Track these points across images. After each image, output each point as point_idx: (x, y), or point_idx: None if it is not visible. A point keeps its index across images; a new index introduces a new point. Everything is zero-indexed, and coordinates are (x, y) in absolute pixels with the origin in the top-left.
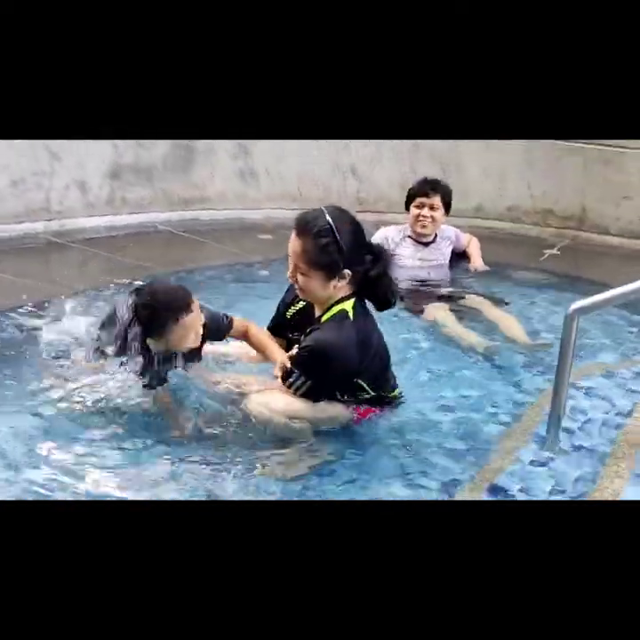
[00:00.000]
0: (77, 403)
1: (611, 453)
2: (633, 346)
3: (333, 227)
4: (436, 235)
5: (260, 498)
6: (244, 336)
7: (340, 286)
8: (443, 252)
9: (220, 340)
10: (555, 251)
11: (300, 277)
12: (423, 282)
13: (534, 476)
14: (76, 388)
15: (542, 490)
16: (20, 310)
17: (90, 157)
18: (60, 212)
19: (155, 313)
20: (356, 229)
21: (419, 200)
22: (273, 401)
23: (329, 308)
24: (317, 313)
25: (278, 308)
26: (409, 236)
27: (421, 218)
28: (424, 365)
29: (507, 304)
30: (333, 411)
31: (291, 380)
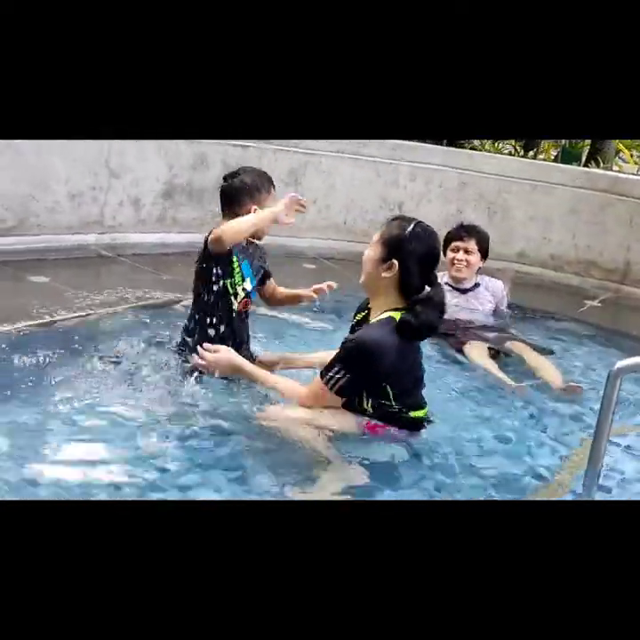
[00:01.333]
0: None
1: None
2: None
3: (411, 232)
4: (477, 284)
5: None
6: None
7: (385, 276)
8: (481, 302)
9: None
10: (596, 302)
11: (368, 250)
12: (465, 323)
13: None
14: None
15: None
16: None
17: (145, 176)
18: (112, 227)
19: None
20: (428, 252)
21: (454, 244)
22: (286, 410)
23: (380, 314)
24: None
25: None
26: (447, 283)
27: (456, 261)
28: (460, 403)
29: (552, 353)
30: (343, 420)
31: (330, 373)
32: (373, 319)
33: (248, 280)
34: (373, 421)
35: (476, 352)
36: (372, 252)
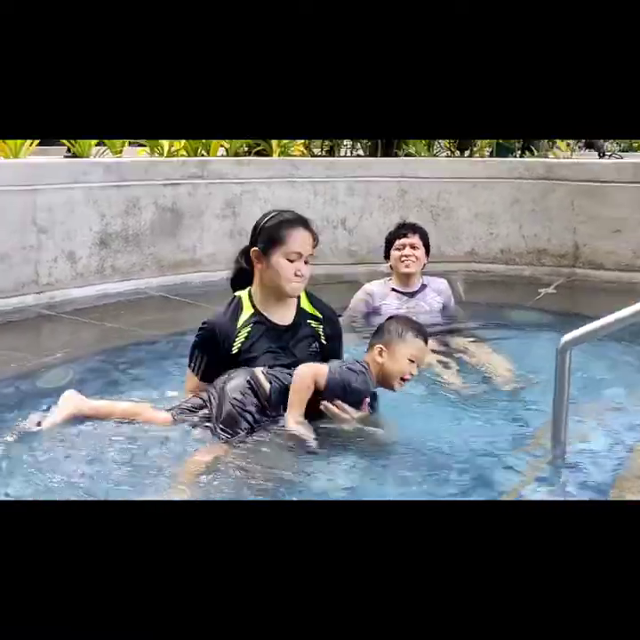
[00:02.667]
0: None
1: (614, 486)
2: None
3: None
4: (422, 285)
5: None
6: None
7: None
8: (429, 303)
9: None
10: (551, 289)
11: (306, 268)
12: None
13: None
14: None
15: None
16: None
17: (77, 228)
18: (49, 285)
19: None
20: None
21: (399, 242)
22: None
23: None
24: (281, 313)
25: (214, 349)
26: (393, 289)
27: (404, 258)
28: (418, 411)
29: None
30: None
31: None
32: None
33: None
34: None
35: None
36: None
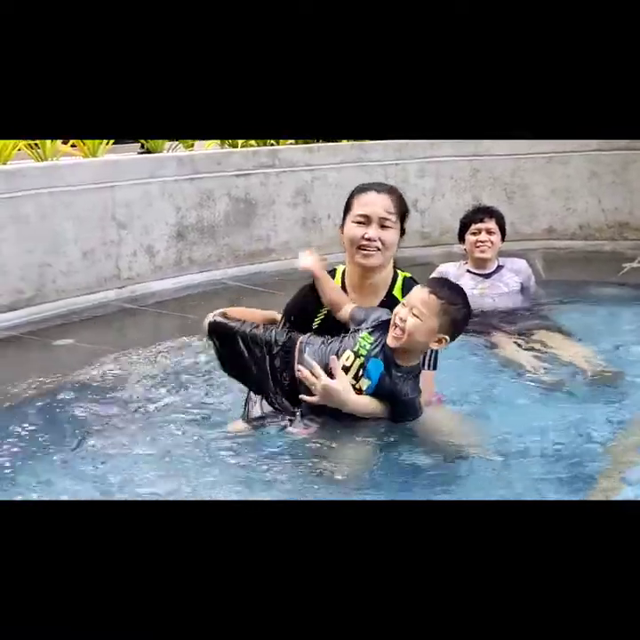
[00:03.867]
0: None
1: None
2: None
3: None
4: (499, 266)
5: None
6: None
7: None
8: (506, 283)
9: None
10: (635, 263)
11: (384, 232)
12: (491, 311)
13: None
14: None
15: None
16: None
17: (154, 222)
18: (130, 279)
19: None
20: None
21: (474, 227)
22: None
23: (393, 282)
24: (368, 299)
25: (296, 314)
26: (468, 271)
27: (479, 243)
28: (504, 397)
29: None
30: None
31: (427, 356)
32: (394, 288)
33: None
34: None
35: (505, 347)
36: (392, 235)
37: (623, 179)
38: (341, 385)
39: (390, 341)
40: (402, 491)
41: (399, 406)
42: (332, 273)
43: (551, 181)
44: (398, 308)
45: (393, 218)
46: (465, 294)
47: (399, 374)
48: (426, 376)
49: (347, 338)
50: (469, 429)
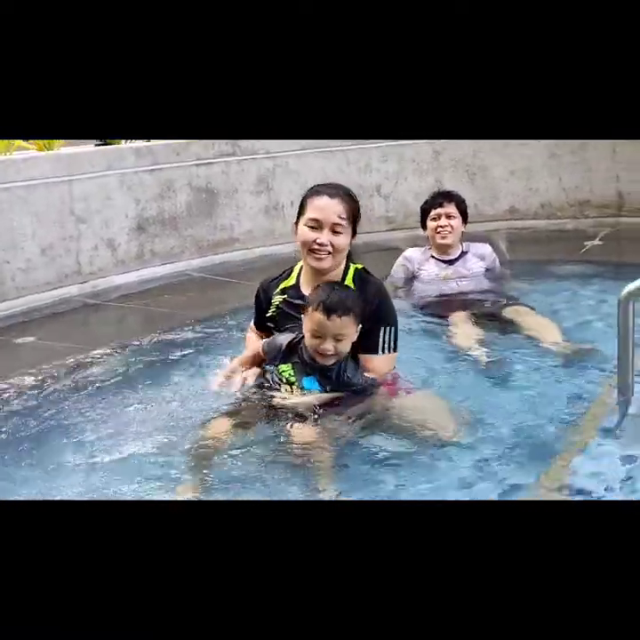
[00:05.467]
0: None
1: None
2: None
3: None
4: (463, 252)
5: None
6: None
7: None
8: (470, 268)
9: None
10: (596, 241)
11: (335, 237)
12: (452, 294)
13: (607, 471)
14: None
15: (616, 484)
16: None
17: (114, 215)
18: (92, 274)
19: None
20: None
21: (434, 212)
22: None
23: (345, 273)
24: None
25: (259, 306)
26: (432, 256)
27: (439, 229)
28: (465, 373)
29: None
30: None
31: (382, 339)
32: (346, 279)
33: None
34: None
35: (461, 326)
36: (344, 239)
37: (582, 157)
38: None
39: (323, 361)
40: (370, 478)
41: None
42: (290, 270)
43: (511, 162)
44: (317, 344)
45: (345, 223)
46: (340, 288)
47: (333, 372)
48: (386, 359)
49: None
50: (441, 414)
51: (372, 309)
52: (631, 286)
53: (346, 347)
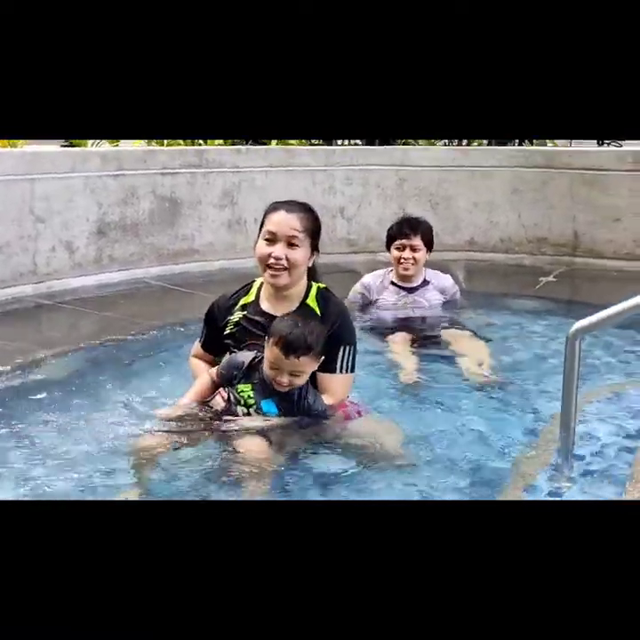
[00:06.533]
0: None
1: (630, 477)
2: (638, 365)
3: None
4: (425, 281)
5: None
6: None
7: (308, 266)
8: (428, 299)
9: None
10: (551, 278)
11: (291, 250)
12: (405, 319)
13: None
14: None
15: None
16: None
17: (75, 218)
18: (47, 274)
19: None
20: None
21: (399, 242)
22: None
23: (307, 292)
24: (283, 307)
25: (212, 324)
26: (392, 282)
27: (403, 260)
28: (423, 399)
29: (489, 340)
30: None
31: (341, 358)
32: (308, 298)
33: None
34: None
35: (397, 343)
36: (300, 253)
37: (543, 195)
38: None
39: (280, 388)
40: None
41: (308, 413)
42: (249, 286)
43: (475, 194)
44: (273, 375)
45: (300, 236)
46: (304, 323)
47: (291, 398)
48: (343, 379)
49: None
50: (390, 437)
51: (333, 329)
52: (579, 324)
53: (302, 380)
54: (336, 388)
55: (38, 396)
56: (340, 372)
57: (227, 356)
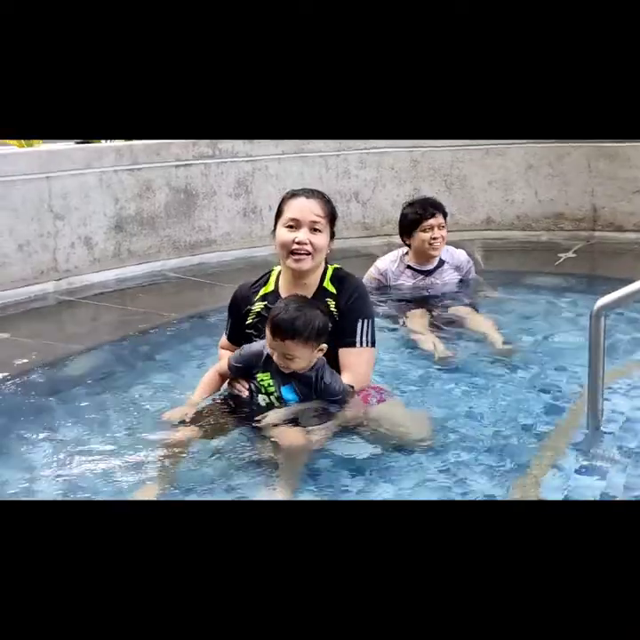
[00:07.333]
0: None
1: None
2: None
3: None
4: (441, 260)
5: None
6: None
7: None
8: (444, 280)
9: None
10: (570, 254)
11: (314, 236)
12: (420, 300)
13: (579, 486)
14: None
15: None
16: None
17: (92, 213)
18: (68, 271)
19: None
20: None
21: (427, 223)
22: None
23: (323, 275)
24: (302, 290)
25: (236, 314)
26: (408, 266)
27: (433, 240)
28: (440, 380)
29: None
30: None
31: (360, 331)
32: (325, 280)
33: None
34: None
35: (415, 320)
36: (322, 238)
37: (558, 171)
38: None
39: (284, 370)
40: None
41: (331, 399)
42: (267, 276)
43: (489, 173)
44: (272, 354)
45: (323, 221)
46: (298, 308)
47: (309, 381)
48: (364, 354)
49: None
50: (416, 421)
51: (349, 303)
52: (603, 300)
53: (297, 365)
54: (358, 363)
55: (64, 392)
56: (361, 345)
57: (239, 349)
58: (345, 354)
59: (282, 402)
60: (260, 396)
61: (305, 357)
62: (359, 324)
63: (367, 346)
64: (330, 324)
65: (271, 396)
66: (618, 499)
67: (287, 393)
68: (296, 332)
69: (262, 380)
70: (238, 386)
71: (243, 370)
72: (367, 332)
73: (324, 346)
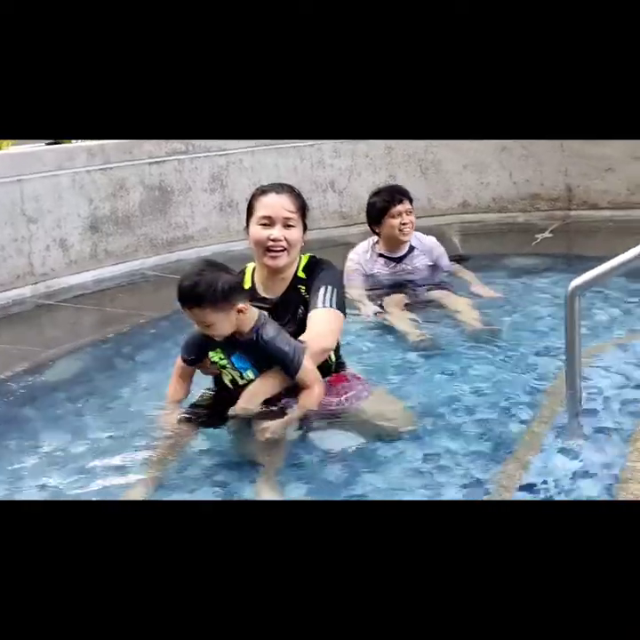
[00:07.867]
0: None
1: (637, 431)
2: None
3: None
4: (411, 248)
5: None
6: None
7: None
8: (414, 265)
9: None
10: (547, 234)
11: (288, 231)
12: (394, 286)
13: (562, 467)
14: None
15: (571, 479)
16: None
17: (66, 215)
18: (44, 274)
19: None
20: None
21: (395, 210)
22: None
23: (297, 266)
24: (278, 288)
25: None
26: (380, 254)
27: (402, 226)
28: (416, 364)
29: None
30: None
31: (322, 294)
32: (299, 269)
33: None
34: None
35: (392, 306)
36: (297, 233)
37: (531, 151)
38: (244, 400)
39: (217, 339)
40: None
41: (279, 359)
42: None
43: (463, 156)
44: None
45: (295, 216)
46: (204, 277)
47: (251, 342)
48: (326, 314)
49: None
50: (396, 410)
51: (315, 280)
52: (577, 281)
53: (221, 330)
54: (316, 322)
55: (47, 397)
56: (323, 305)
57: (183, 343)
58: (310, 317)
59: (240, 372)
60: (223, 377)
61: (222, 321)
62: (322, 290)
63: (331, 306)
64: (238, 282)
65: (228, 370)
66: (597, 476)
67: (238, 362)
68: (200, 297)
69: (213, 357)
70: (210, 368)
71: (198, 358)
72: (331, 298)
73: (242, 305)
